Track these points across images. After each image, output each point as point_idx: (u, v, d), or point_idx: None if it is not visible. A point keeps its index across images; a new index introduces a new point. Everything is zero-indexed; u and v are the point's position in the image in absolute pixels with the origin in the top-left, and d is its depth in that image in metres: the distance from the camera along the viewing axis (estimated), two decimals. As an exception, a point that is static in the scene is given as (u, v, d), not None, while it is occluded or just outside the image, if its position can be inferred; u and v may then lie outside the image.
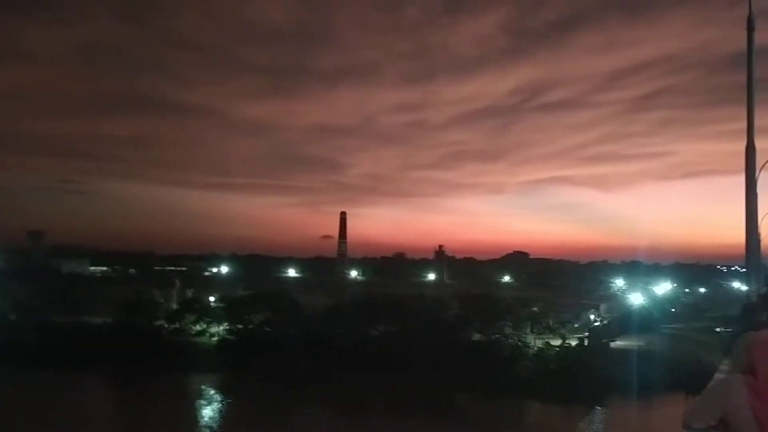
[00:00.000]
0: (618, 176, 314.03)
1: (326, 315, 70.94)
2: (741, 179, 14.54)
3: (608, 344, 63.29)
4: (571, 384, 52.86)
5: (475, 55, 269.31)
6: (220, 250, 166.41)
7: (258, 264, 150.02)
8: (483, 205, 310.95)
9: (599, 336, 66.17)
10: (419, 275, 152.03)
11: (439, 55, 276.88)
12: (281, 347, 63.60)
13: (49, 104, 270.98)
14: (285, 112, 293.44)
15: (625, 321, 75.68)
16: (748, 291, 15.27)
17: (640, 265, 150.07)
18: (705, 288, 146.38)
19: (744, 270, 18.40)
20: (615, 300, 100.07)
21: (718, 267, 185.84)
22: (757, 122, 14.82)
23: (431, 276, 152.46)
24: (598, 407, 52.37)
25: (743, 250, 14.63)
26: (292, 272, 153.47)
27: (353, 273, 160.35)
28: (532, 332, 66.95)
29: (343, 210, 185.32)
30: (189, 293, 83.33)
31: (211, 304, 77.26)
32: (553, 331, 66.93)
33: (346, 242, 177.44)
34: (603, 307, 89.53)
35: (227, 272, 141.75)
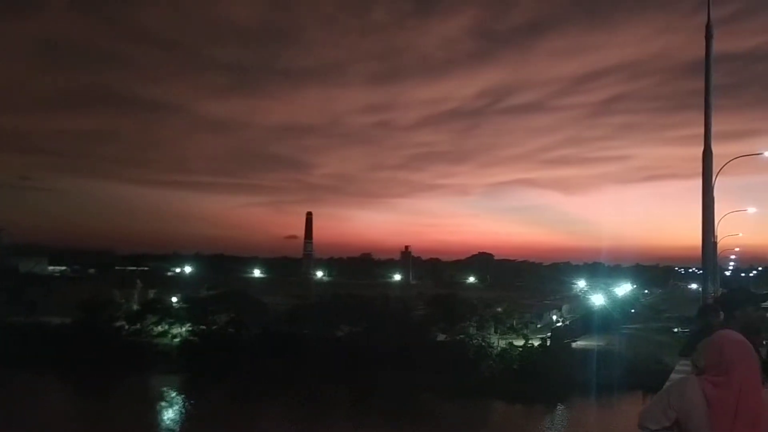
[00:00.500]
0: (580, 179, 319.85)
1: (291, 316, 70.51)
2: (698, 183, 14.86)
3: (570, 344, 64.29)
4: (534, 384, 53.57)
5: (442, 57, 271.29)
6: (184, 249, 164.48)
7: (222, 264, 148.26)
8: (449, 207, 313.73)
9: (561, 336, 67.18)
10: (385, 276, 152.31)
11: (407, 56, 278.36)
12: (245, 348, 63.01)
13: (7, 99, 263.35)
14: (251, 110, 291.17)
15: (586, 321, 77.06)
16: (704, 292, 15.62)
17: (601, 267, 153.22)
18: (662, 289, 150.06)
19: (701, 272, 18.82)
20: (577, 301, 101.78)
21: (677, 269, 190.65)
22: (714, 128, 15.17)
23: (397, 277, 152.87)
24: (560, 406, 53.18)
25: (700, 252, 14.96)
26: (257, 272, 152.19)
27: (319, 273, 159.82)
28: (495, 333, 67.61)
29: (309, 210, 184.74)
30: (151, 293, 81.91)
31: (174, 304, 76.11)
32: (516, 332, 67.73)
33: (311, 242, 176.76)
34: (565, 307, 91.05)
35: (190, 272, 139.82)
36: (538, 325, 75.63)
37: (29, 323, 68.97)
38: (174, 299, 77.92)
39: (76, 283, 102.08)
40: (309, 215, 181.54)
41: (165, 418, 50.76)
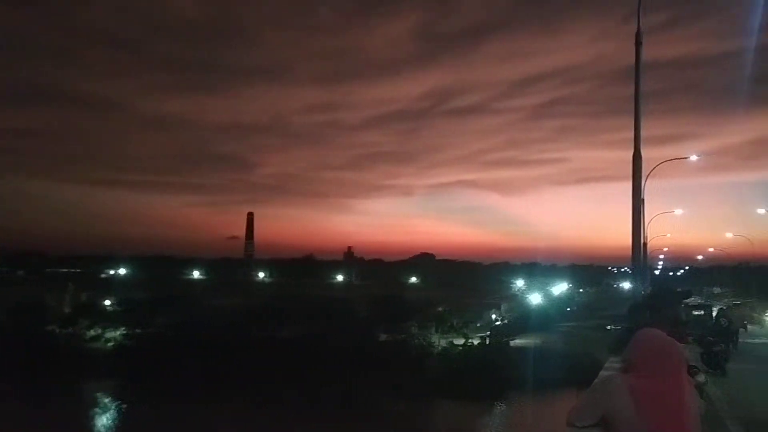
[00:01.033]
0: (519, 181, 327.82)
1: (232, 317, 69.34)
2: (629, 185, 15.47)
3: (508, 343, 65.55)
4: (473, 381, 54.29)
5: (388, 58, 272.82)
6: (121, 250, 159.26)
7: (161, 265, 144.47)
8: (392, 207, 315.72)
9: (500, 335, 68.46)
10: (329, 277, 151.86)
11: (353, 56, 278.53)
12: (184, 351, 61.53)
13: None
14: (193, 108, 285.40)
15: (524, 320, 78.86)
16: (633, 291, 16.25)
17: (538, 266, 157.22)
18: (596, 288, 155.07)
19: (631, 271, 19.58)
20: (515, 300, 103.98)
21: (609, 268, 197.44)
22: (644, 133, 15.84)
23: (340, 277, 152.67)
24: (499, 403, 54.11)
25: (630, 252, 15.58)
26: (197, 274, 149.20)
27: (261, 274, 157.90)
28: (436, 332, 68.32)
29: (251, 210, 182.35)
30: (83, 296, 79.33)
31: (107, 307, 73.93)
32: (456, 331, 68.62)
33: (253, 243, 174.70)
34: (504, 306, 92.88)
35: (127, 274, 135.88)
36: (478, 324, 76.86)
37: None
38: (107, 302, 75.80)
39: (4, 285, 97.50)
40: (250, 215, 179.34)
41: (98, 423, 49.12)
